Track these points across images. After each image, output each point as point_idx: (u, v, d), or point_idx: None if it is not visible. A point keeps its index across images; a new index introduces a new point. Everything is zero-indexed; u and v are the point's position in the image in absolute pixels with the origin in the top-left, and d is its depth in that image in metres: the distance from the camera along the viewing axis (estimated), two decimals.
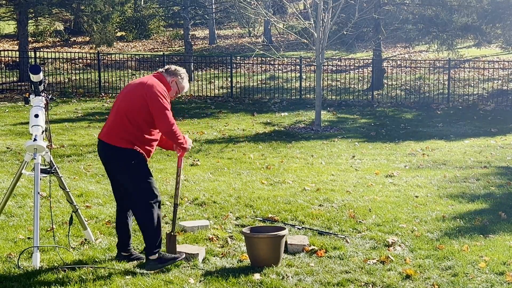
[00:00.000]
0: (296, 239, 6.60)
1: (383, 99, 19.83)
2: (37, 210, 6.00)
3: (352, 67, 24.00)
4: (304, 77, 21.18)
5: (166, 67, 6.21)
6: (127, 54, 24.46)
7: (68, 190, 6.54)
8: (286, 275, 5.81)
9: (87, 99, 19.88)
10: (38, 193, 6.07)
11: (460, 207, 8.16)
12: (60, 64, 23.87)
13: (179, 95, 6.27)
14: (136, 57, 24.16)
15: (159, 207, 5.96)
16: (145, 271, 5.85)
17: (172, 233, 6.21)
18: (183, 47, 27.54)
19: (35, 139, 6.04)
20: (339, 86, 21.52)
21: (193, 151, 12.15)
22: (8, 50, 25.29)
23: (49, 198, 7.39)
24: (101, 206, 8.08)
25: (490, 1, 20.47)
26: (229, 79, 20.88)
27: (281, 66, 23.26)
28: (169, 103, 5.98)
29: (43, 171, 6.22)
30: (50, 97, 6.46)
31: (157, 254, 5.89)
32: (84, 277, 5.68)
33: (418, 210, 8.00)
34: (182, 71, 6.20)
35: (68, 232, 6.67)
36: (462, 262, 6.13)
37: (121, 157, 5.87)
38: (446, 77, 20.48)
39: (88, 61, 24.64)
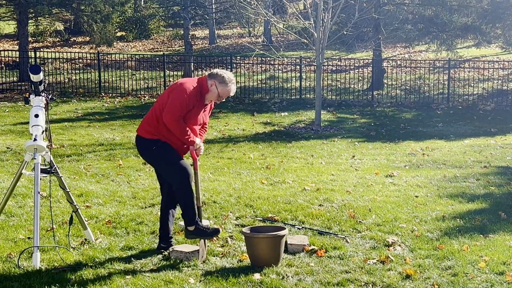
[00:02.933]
0: (296, 239, 6.59)
1: (383, 99, 19.84)
2: (37, 210, 6.00)
3: (352, 67, 24.00)
4: (304, 77, 21.19)
5: (212, 71, 6.30)
6: (127, 54, 24.45)
7: (68, 190, 6.55)
8: (286, 275, 5.81)
9: (87, 99, 19.88)
10: (38, 193, 6.08)
11: (460, 207, 8.16)
12: (60, 64, 23.87)
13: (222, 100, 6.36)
14: (136, 57, 24.16)
15: (190, 186, 6.21)
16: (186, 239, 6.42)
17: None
18: (183, 47, 27.53)
19: (35, 139, 6.04)
20: (339, 86, 21.53)
21: None
22: (8, 50, 25.29)
23: (49, 198, 7.39)
24: (101, 206, 8.08)
25: (490, 1, 20.47)
26: None
27: (281, 66, 23.26)
28: (190, 104, 6.12)
29: (43, 171, 6.22)
30: (50, 97, 6.46)
31: (194, 226, 6.22)
32: (84, 277, 5.69)
33: (418, 210, 8.00)
34: (222, 74, 6.22)
35: (68, 232, 6.67)
36: (462, 262, 6.13)
37: (144, 146, 6.31)
38: (446, 77, 20.48)
39: (88, 61, 24.65)
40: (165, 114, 6.10)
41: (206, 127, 6.57)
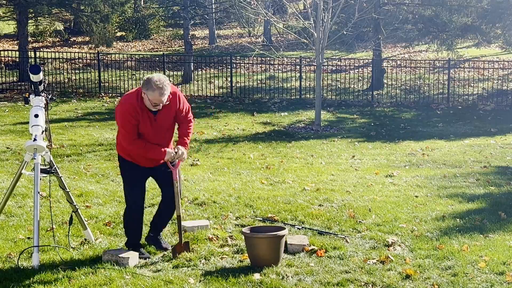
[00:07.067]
0: (296, 239, 6.59)
1: (383, 99, 19.83)
2: (37, 210, 6.00)
3: (352, 67, 24.00)
4: (304, 77, 21.18)
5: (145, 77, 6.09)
6: (127, 54, 24.45)
7: (68, 190, 6.55)
8: (286, 275, 5.81)
9: (87, 99, 19.88)
10: (38, 193, 6.07)
11: (460, 207, 8.16)
12: (60, 64, 23.86)
13: (159, 104, 6.03)
14: (136, 57, 24.15)
15: (134, 211, 6.35)
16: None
17: (180, 245, 6.33)
18: (183, 47, 27.54)
19: (35, 139, 6.03)
20: (339, 86, 21.52)
21: (193, 151, 12.16)
22: (8, 50, 25.27)
23: (49, 198, 7.39)
24: (101, 206, 8.08)
25: (490, 1, 20.46)
26: (229, 79, 20.88)
27: (281, 66, 23.25)
28: (132, 121, 6.00)
29: (43, 171, 6.22)
30: (50, 97, 6.46)
31: (128, 248, 6.36)
32: (84, 277, 5.68)
33: (418, 210, 8.00)
34: (149, 79, 5.92)
35: (68, 232, 6.67)
36: (462, 262, 6.13)
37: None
38: (446, 77, 20.48)
39: (88, 61, 24.64)
40: (122, 142, 6.21)
41: (188, 126, 6.30)
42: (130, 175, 6.30)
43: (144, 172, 6.31)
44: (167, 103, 6.05)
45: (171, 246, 6.45)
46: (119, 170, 6.46)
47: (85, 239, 6.67)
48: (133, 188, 6.30)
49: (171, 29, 35.94)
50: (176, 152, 6.19)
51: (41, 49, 27.11)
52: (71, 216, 6.62)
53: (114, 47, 30.87)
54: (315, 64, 16.30)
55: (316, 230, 7.11)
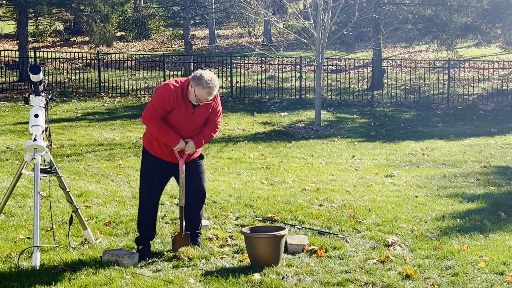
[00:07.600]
0: (296, 239, 6.59)
1: (383, 99, 19.83)
2: (37, 210, 5.99)
3: (352, 67, 24.00)
4: (304, 77, 21.18)
5: (196, 71, 6.08)
6: (127, 54, 24.45)
7: (68, 190, 6.55)
8: (286, 275, 5.81)
9: (87, 98, 19.88)
10: (38, 193, 6.07)
11: (460, 207, 8.16)
12: (60, 64, 23.87)
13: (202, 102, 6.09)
14: (135, 57, 24.16)
15: (146, 209, 6.33)
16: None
17: (180, 235, 6.33)
18: (183, 47, 27.54)
19: (35, 139, 6.03)
20: (339, 86, 21.52)
21: None
22: (8, 50, 25.28)
23: (49, 198, 7.39)
24: (101, 206, 8.08)
25: (490, 1, 20.47)
26: (229, 79, 20.88)
27: (281, 66, 23.26)
28: (167, 105, 6.00)
29: (43, 171, 6.22)
30: (50, 97, 6.46)
31: (137, 247, 6.37)
32: (84, 277, 5.68)
33: (418, 210, 8.00)
34: (201, 76, 5.96)
35: (68, 232, 6.67)
36: (462, 262, 6.12)
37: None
38: (446, 77, 20.48)
39: (88, 61, 24.65)
40: (141, 116, 6.22)
41: (214, 126, 6.41)
42: (150, 170, 6.27)
43: (165, 170, 6.27)
44: (209, 101, 6.13)
45: (172, 238, 6.47)
46: (140, 164, 6.44)
47: (85, 239, 6.66)
48: (149, 184, 6.27)
49: (171, 29, 35.94)
50: (186, 143, 6.19)
51: (41, 49, 27.12)
52: (71, 216, 6.62)
53: (114, 47, 30.86)
54: (315, 64, 16.30)
55: (316, 230, 7.11)
